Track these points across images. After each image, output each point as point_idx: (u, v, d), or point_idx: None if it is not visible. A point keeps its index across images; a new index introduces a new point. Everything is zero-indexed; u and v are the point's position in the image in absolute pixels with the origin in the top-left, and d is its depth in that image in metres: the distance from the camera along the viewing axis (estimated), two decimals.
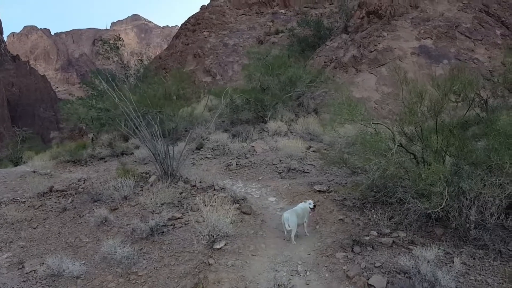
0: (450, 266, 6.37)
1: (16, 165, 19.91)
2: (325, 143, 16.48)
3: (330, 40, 30.41)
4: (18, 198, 11.62)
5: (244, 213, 9.06)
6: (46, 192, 11.81)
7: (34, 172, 14.63)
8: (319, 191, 10.61)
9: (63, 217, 10.14)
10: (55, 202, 11.12)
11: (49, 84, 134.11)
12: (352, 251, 6.86)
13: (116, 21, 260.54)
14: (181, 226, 8.56)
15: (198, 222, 8.10)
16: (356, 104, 8.37)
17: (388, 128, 8.25)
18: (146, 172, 13.02)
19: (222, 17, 44.74)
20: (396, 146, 7.60)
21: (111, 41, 24.32)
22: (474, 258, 6.61)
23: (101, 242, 8.52)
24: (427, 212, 6.75)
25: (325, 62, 27.44)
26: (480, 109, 12.59)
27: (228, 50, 38.83)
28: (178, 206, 9.70)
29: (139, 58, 27.21)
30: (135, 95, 20.25)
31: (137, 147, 17.17)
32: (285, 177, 12.48)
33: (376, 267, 6.45)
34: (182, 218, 8.89)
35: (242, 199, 9.97)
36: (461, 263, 6.47)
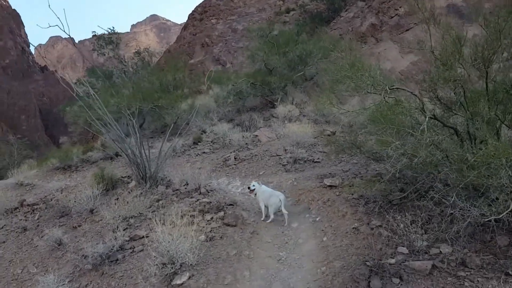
0: None
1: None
2: (343, 125, 13.99)
3: (345, 11, 27.43)
4: None
5: (228, 225, 6.84)
6: (16, 208, 10.07)
7: (18, 183, 12.97)
8: (330, 186, 8.26)
9: (21, 239, 8.30)
10: (21, 219, 9.34)
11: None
12: (368, 287, 4.46)
13: (136, 23, 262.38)
14: (142, 250, 6.43)
15: (160, 244, 5.93)
16: (364, 64, 5.90)
17: (414, 95, 5.76)
18: (128, 176, 11.02)
19: (230, 1, 42.27)
20: (427, 119, 5.13)
21: (105, 35, 22.56)
22: None
23: (49, 274, 6.59)
24: (486, 220, 4.27)
25: (340, 35, 24.61)
26: None
27: (237, 35, 36.44)
28: (147, 220, 7.61)
29: (136, 50, 25.34)
30: (128, 90, 18.44)
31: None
32: (291, 170, 10.17)
33: None
34: (147, 237, 6.76)
35: (230, 205, 7.76)
36: None
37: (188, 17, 44.46)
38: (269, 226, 7.38)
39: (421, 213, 5.55)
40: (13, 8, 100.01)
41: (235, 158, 11.62)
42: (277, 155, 11.19)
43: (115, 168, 12.45)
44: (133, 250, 6.42)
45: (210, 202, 7.80)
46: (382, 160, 7.07)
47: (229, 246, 6.19)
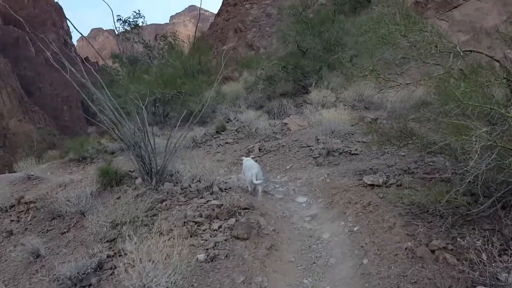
0: None
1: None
2: (387, 110, 12.08)
3: None
4: None
5: (237, 238, 5.33)
6: (13, 206, 9.09)
7: (26, 177, 12.15)
8: (371, 185, 6.56)
9: (3, 245, 7.25)
10: (12, 220, 8.32)
11: None
12: None
13: (175, 14, 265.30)
14: (125, 270, 4.99)
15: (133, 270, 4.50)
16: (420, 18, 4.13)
17: (496, 60, 3.93)
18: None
19: None
20: None
21: (130, 20, 21.59)
22: None
23: None
24: None
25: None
26: None
27: (272, 20, 34.52)
28: (143, 227, 6.25)
29: (162, 35, 24.22)
30: (151, 76, 17.33)
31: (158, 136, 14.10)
32: (323, 164, 8.52)
33: None
34: (130, 254, 5.30)
35: (246, 208, 6.25)
36: None
37: (222, 3, 42.92)
38: (292, 237, 5.83)
39: (509, 232, 3.78)
40: (55, 1, 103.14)
41: (259, 150, 10.10)
42: (308, 146, 9.56)
43: (128, 160, 11.27)
44: (113, 272, 5.04)
45: (221, 205, 6.33)
46: (443, 153, 5.30)
47: (235, 270, 4.68)
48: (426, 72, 4.52)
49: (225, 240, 5.26)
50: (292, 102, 14.78)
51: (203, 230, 5.69)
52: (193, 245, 5.17)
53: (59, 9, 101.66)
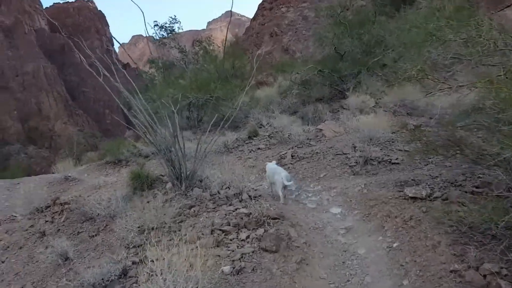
0: None
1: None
2: (430, 117, 11.38)
3: None
4: (17, 215, 9.29)
5: (265, 250, 5.00)
6: (48, 206, 9.24)
7: (64, 178, 12.43)
8: (413, 197, 6.03)
9: (36, 246, 7.30)
10: (46, 221, 8.41)
11: None
12: None
13: (212, 20, 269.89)
14: (148, 280, 4.79)
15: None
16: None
17: None
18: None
19: None
20: None
21: (166, 25, 21.88)
22: None
23: None
24: None
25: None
26: None
27: (309, 23, 34.03)
28: (171, 233, 6.05)
29: (197, 40, 24.36)
30: (185, 80, 17.38)
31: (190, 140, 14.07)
32: (360, 173, 8.03)
33: None
34: (163, 259, 5.14)
35: (276, 218, 5.91)
36: None
37: (258, 7, 42.86)
38: (325, 251, 5.42)
39: None
40: (98, 9, 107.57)
41: (292, 156, 9.74)
42: (344, 154, 9.09)
43: (161, 164, 11.26)
44: (136, 280, 4.83)
45: (250, 214, 6.03)
46: (497, 165, 4.73)
47: (262, 285, 4.36)
48: (481, 73, 4.00)
49: (253, 251, 4.94)
50: (327, 107, 14.32)
51: (230, 240, 5.41)
52: (218, 255, 4.90)
53: (102, 17, 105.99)
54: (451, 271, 3.99)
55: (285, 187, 7.04)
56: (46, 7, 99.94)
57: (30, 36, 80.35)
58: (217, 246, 5.15)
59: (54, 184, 12.07)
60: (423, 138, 5.53)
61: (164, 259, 4.29)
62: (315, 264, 4.99)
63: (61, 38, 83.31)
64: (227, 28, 14.57)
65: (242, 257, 4.81)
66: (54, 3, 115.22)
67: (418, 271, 4.32)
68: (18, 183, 12.27)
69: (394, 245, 5.24)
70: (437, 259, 4.35)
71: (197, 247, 4.80)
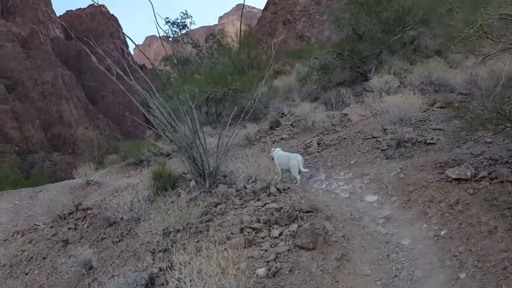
0: None
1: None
2: (460, 93, 10.71)
3: None
4: (40, 224, 9.20)
5: (302, 247, 4.60)
6: (71, 213, 9.11)
7: (87, 182, 12.35)
8: (457, 179, 5.52)
9: (59, 256, 7.14)
10: (69, 228, 8.27)
11: None
12: None
13: (223, 14, 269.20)
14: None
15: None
16: None
17: None
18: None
19: None
20: None
21: (178, 21, 21.54)
22: None
23: None
24: None
25: None
26: None
27: (322, 7, 33.10)
28: (198, 234, 5.74)
29: (210, 33, 23.93)
30: (201, 75, 17.04)
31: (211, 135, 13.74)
32: (393, 157, 7.51)
33: None
34: (189, 264, 4.80)
35: (309, 211, 5.50)
36: None
37: None
38: (365, 244, 4.99)
39: None
40: (111, 13, 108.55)
41: (318, 144, 9.28)
42: (374, 137, 8.57)
43: (182, 162, 11.00)
44: None
45: (281, 209, 5.65)
46: None
47: (302, 287, 3.97)
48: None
49: (288, 250, 4.56)
50: (350, 91, 13.71)
51: (262, 238, 5.05)
52: (251, 256, 4.54)
53: (115, 20, 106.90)
54: None
55: (299, 172, 7.27)
56: (60, 15, 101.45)
57: (46, 46, 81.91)
58: (249, 246, 4.79)
59: (76, 189, 12.01)
60: (468, 113, 4.98)
61: (192, 263, 3.96)
62: (357, 260, 4.58)
63: (77, 45, 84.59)
64: (241, 17, 14.13)
65: (277, 257, 4.44)
66: (67, 11, 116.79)
67: (475, 262, 3.86)
68: (40, 191, 12.26)
69: (442, 233, 4.78)
70: (496, 247, 3.87)
71: (227, 248, 4.48)
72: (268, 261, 4.37)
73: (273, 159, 7.90)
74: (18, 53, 77.66)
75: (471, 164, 5.89)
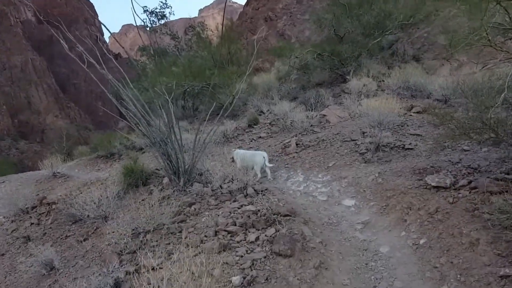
0: None
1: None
2: (436, 99, 10.84)
3: None
4: (1, 217, 8.62)
5: (280, 254, 4.41)
6: (35, 206, 8.56)
7: (52, 175, 11.69)
8: (436, 187, 5.47)
9: (19, 253, 6.66)
10: (32, 223, 7.76)
11: None
12: None
13: (204, 7, 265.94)
14: None
15: None
16: None
17: None
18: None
19: None
20: None
21: (157, 10, 20.93)
22: None
23: None
24: None
25: None
26: None
27: (303, 6, 33.13)
28: (170, 236, 5.44)
29: (190, 25, 23.43)
30: (179, 68, 16.58)
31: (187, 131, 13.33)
32: (372, 161, 7.44)
33: None
34: (160, 268, 4.52)
35: (287, 215, 5.32)
36: None
37: None
38: (344, 251, 4.85)
39: None
40: None
41: (296, 144, 9.13)
42: (352, 140, 8.49)
43: (155, 158, 10.61)
44: None
45: (258, 211, 5.44)
46: None
47: None
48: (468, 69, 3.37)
49: (265, 257, 4.35)
50: (329, 92, 13.67)
51: (238, 242, 4.82)
52: (226, 263, 4.30)
53: (90, 6, 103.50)
54: (501, 277, 3.43)
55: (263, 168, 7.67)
56: None
57: (17, 28, 78.32)
58: (224, 250, 4.55)
59: (41, 181, 11.34)
60: (453, 121, 4.91)
61: (162, 268, 3.70)
62: (335, 268, 4.42)
63: (49, 30, 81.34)
64: (224, 10, 13.77)
65: (253, 264, 4.22)
66: None
67: (458, 276, 3.77)
68: (3, 182, 11.54)
69: (421, 241, 4.70)
70: (479, 260, 3.79)
71: (200, 253, 4.23)
72: (243, 269, 4.15)
73: (232, 160, 8.12)
74: None
75: (450, 172, 5.86)
